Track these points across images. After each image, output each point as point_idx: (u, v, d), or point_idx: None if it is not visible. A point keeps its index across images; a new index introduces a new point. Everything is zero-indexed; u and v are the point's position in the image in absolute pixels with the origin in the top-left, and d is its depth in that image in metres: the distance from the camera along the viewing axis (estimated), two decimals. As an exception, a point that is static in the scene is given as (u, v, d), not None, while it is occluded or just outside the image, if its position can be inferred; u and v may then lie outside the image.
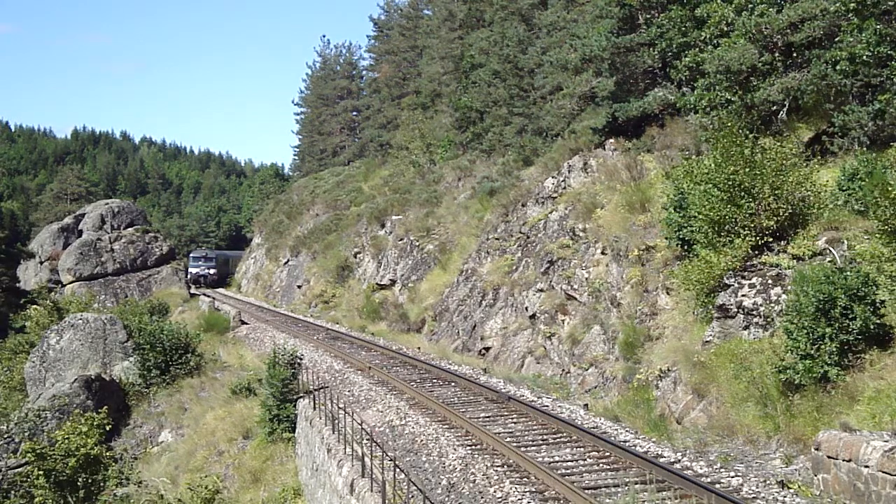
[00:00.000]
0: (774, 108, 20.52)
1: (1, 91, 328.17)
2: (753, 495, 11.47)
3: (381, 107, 72.24)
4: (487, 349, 27.11)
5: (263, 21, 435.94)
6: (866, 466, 10.42)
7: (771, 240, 16.79)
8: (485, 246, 32.56)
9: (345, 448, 14.64)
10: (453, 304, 32.06)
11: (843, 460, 10.85)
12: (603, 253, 23.60)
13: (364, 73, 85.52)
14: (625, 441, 14.80)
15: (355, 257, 47.52)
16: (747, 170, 16.69)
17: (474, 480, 12.76)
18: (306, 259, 55.92)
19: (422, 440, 15.49)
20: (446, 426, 16.49)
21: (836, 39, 18.85)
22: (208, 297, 55.82)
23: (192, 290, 65.12)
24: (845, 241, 15.68)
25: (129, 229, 66.50)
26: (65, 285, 61.33)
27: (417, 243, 39.72)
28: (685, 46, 23.97)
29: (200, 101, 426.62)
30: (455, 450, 14.52)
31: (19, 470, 20.34)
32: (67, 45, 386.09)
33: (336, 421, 16.02)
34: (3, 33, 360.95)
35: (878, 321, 13.32)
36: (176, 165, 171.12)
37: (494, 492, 12.14)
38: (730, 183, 16.83)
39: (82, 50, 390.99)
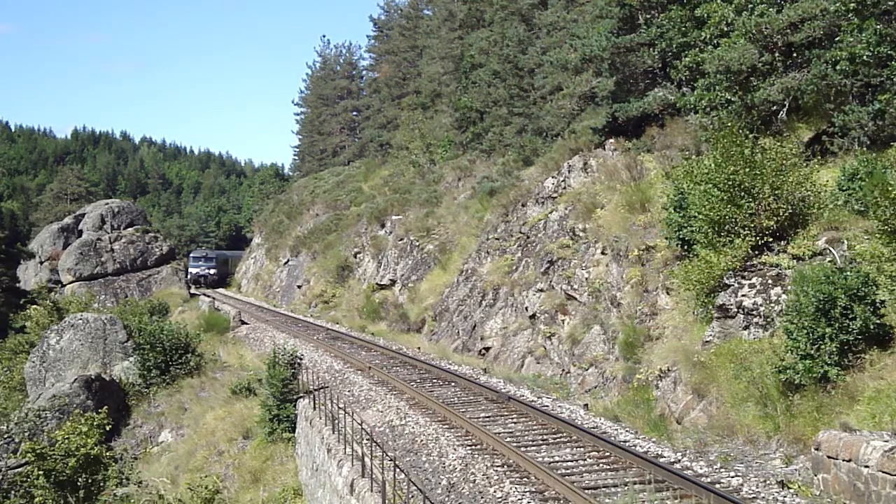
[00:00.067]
0: (774, 108, 20.50)
1: (1, 91, 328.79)
2: (753, 495, 11.47)
3: (381, 107, 72.22)
4: (487, 349, 27.11)
5: (263, 21, 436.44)
6: (866, 466, 10.42)
7: (771, 240, 16.79)
8: (485, 246, 32.54)
9: (345, 448, 14.65)
10: (453, 304, 32.05)
11: (843, 460, 10.85)
12: (603, 253, 23.60)
13: (364, 73, 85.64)
14: (625, 441, 14.81)
15: (355, 257, 47.50)
16: (747, 170, 16.69)
17: (474, 480, 12.76)
18: (306, 259, 55.91)
19: (422, 440, 15.49)
20: (446, 426, 16.49)
21: (836, 39, 18.83)
22: (208, 297, 55.80)
23: (192, 290, 65.10)
24: (845, 241, 15.68)
25: (129, 229, 66.51)
26: (65, 285, 61.35)
27: (417, 243, 39.70)
28: (685, 46, 23.97)
29: (200, 101, 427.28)
30: (455, 450, 14.52)
31: (19, 470, 20.32)
32: (67, 45, 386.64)
33: (336, 421, 16.03)
34: (3, 33, 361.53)
35: (878, 321, 13.32)
36: (176, 165, 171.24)
37: (494, 492, 12.15)
38: (730, 183, 16.82)
39: (82, 50, 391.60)
